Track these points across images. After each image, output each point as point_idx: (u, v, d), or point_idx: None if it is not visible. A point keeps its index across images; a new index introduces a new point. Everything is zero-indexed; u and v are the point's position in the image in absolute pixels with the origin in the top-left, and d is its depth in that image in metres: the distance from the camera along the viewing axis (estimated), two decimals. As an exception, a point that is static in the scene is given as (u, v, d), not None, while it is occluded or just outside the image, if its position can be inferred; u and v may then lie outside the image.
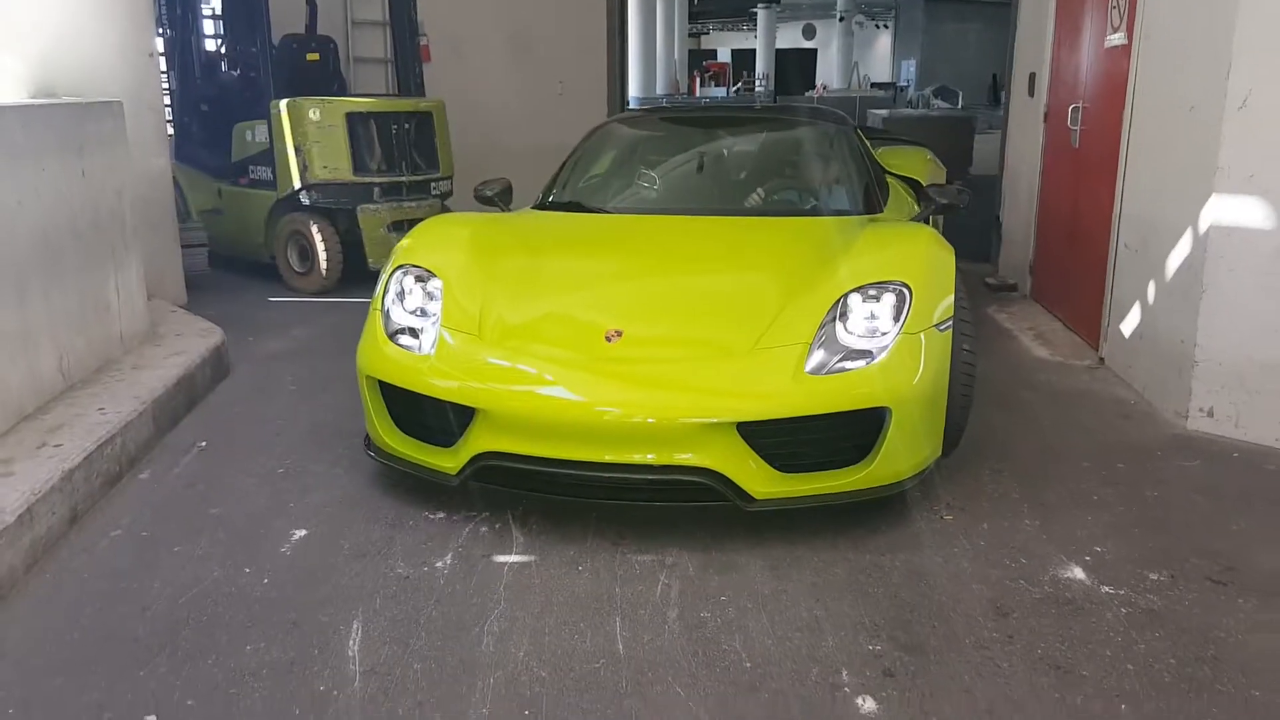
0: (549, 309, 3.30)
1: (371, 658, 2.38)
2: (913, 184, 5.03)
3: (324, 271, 6.46)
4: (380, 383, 3.19)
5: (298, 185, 6.40)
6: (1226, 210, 3.67)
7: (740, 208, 4.24)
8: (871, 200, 4.25)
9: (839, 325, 3.01)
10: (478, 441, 2.95)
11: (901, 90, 29.22)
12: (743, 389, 2.89)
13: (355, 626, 2.50)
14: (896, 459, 2.94)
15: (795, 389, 2.87)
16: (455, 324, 3.18)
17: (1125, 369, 4.52)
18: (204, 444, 3.81)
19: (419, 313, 3.29)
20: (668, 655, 2.39)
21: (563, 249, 3.84)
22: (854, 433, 2.91)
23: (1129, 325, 4.48)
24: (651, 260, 3.70)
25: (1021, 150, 6.36)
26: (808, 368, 2.91)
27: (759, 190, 4.39)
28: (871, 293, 3.09)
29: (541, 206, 4.37)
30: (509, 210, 4.38)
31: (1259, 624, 2.55)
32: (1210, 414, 3.83)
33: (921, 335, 3.00)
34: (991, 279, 6.64)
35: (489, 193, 4.44)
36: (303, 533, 3.05)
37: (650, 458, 2.83)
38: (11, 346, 3.43)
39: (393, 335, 3.24)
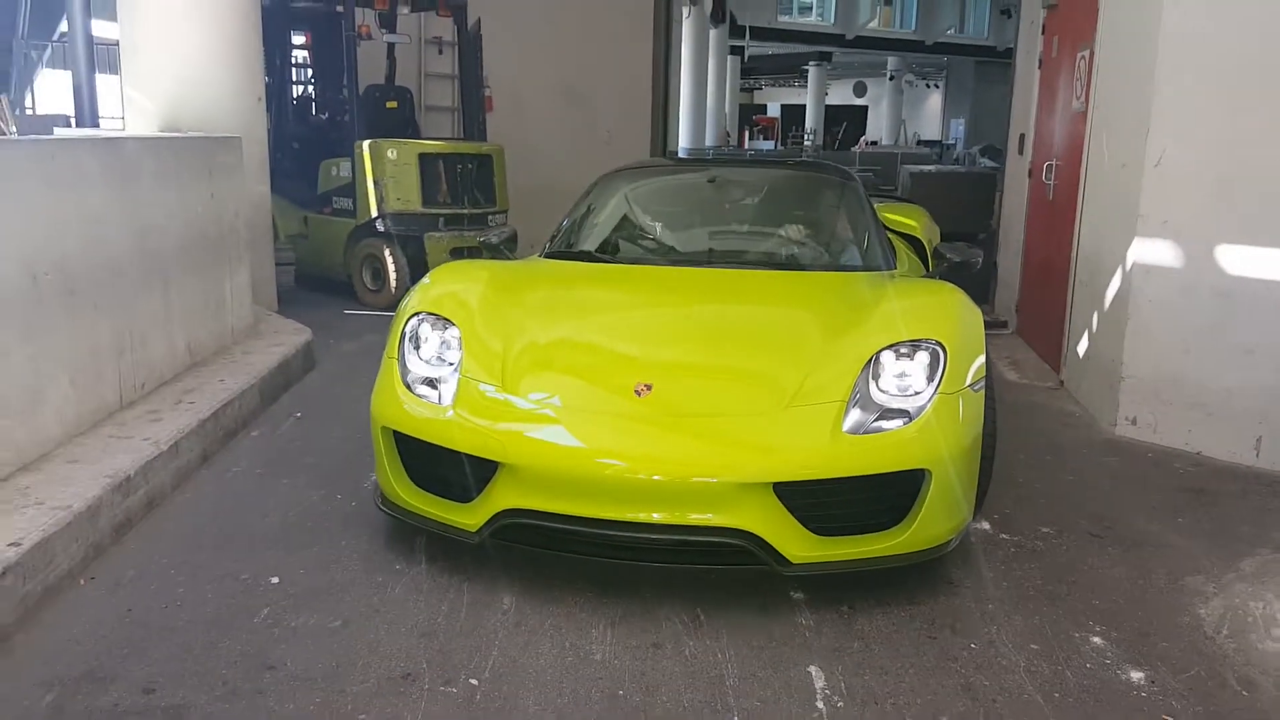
0: (574, 360, 3.23)
1: (431, 548, 3.20)
2: (910, 240, 5.21)
3: (394, 289, 7.38)
4: (395, 434, 3.10)
5: (375, 214, 7.37)
6: (1146, 250, 4.41)
7: (758, 260, 4.14)
8: (887, 256, 4.12)
9: (872, 384, 2.94)
10: (501, 498, 2.84)
11: (949, 148, 30.05)
12: (779, 447, 2.79)
13: (422, 535, 3.31)
14: (935, 522, 2.85)
15: (834, 449, 2.79)
16: (477, 374, 3.07)
17: (1076, 388, 5.24)
18: (299, 414, 4.70)
19: (436, 361, 3.18)
20: None
21: (583, 299, 3.74)
22: (891, 494, 2.83)
23: (1080, 351, 5.20)
24: (676, 312, 3.60)
25: (1012, 203, 7.12)
26: (845, 427, 2.83)
27: (774, 242, 4.34)
28: (904, 350, 3.01)
29: (550, 255, 4.22)
30: (513, 258, 4.29)
31: (1117, 562, 3.27)
32: (1134, 422, 4.53)
33: (958, 396, 2.94)
34: (986, 318, 7.34)
35: (495, 240, 4.37)
36: (380, 475, 3.90)
37: (686, 518, 2.73)
38: (158, 327, 4.35)
39: (410, 385, 3.13)
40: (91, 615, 2.79)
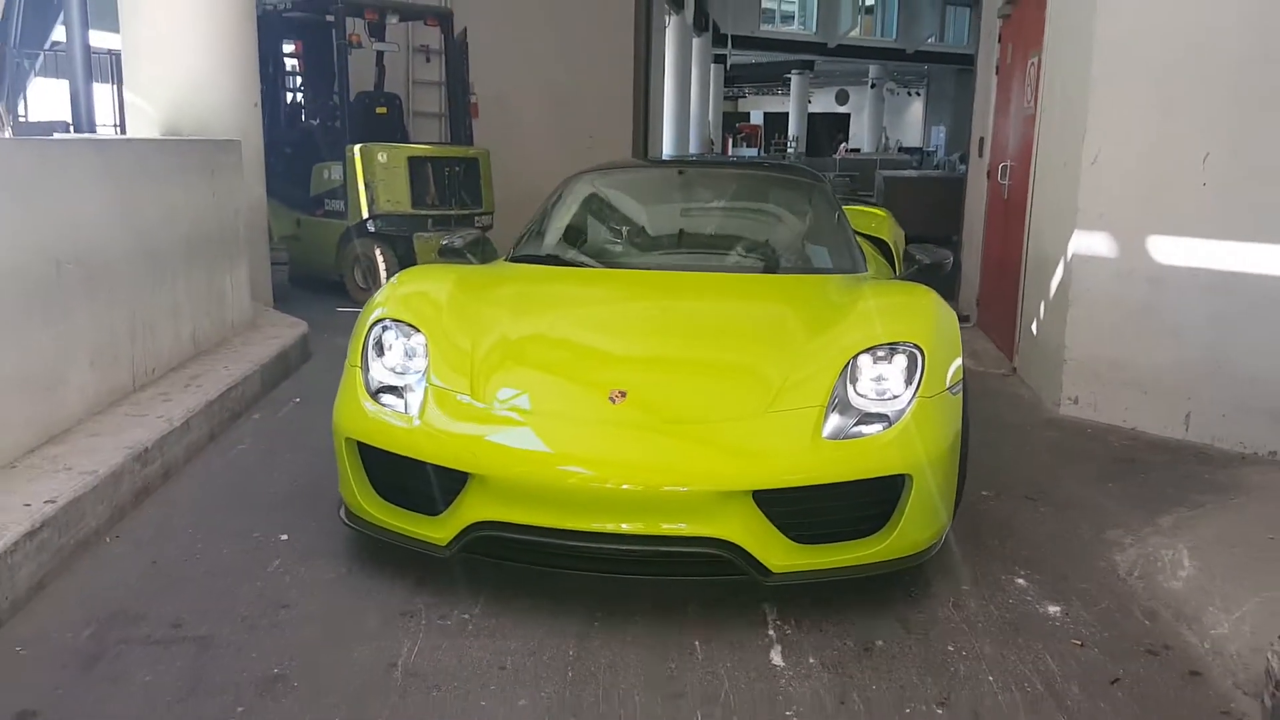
0: (546, 367, 3.15)
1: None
2: (875, 243, 5.31)
3: (384, 287, 7.69)
4: (359, 445, 2.98)
5: (366, 215, 7.68)
6: (1084, 242, 4.78)
7: (729, 263, 4.11)
8: (857, 258, 4.07)
9: (850, 387, 2.89)
10: (472, 510, 2.75)
11: (929, 154, 30.56)
12: (759, 455, 2.74)
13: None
14: (916, 529, 2.81)
15: (814, 455, 2.74)
16: (445, 381, 2.98)
17: (1027, 373, 5.59)
18: (298, 399, 5.01)
19: (400, 370, 3.08)
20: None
21: (553, 304, 3.62)
22: (871, 501, 2.79)
23: (1030, 338, 5.56)
24: (649, 316, 3.56)
25: (974, 203, 7.49)
26: (825, 432, 2.78)
27: (745, 244, 4.31)
28: (881, 354, 2.97)
29: (517, 259, 4.11)
30: (477, 263, 4.16)
31: (1047, 519, 3.62)
32: (1076, 401, 4.89)
33: (936, 399, 2.91)
34: (951, 311, 7.71)
35: (458, 244, 4.22)
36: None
37: (663, 528, 2.68)
38: (166, 317, 4.65)
39: (375, 394, 3.03)
40: (119, 566, 3.09)
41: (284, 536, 3.32)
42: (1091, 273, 4.77)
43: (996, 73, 6.93)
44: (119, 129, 11.61)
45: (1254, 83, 4.23)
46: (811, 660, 2.63)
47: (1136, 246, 4.61)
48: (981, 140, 7.29)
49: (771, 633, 2.76)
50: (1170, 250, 4.52)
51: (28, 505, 3.00)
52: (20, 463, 3.34)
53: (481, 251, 4.35)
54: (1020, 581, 3.10)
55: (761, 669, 2.58)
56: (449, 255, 4.22)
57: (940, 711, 2.41)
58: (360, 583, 3.01)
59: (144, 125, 6.50)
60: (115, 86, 13.13)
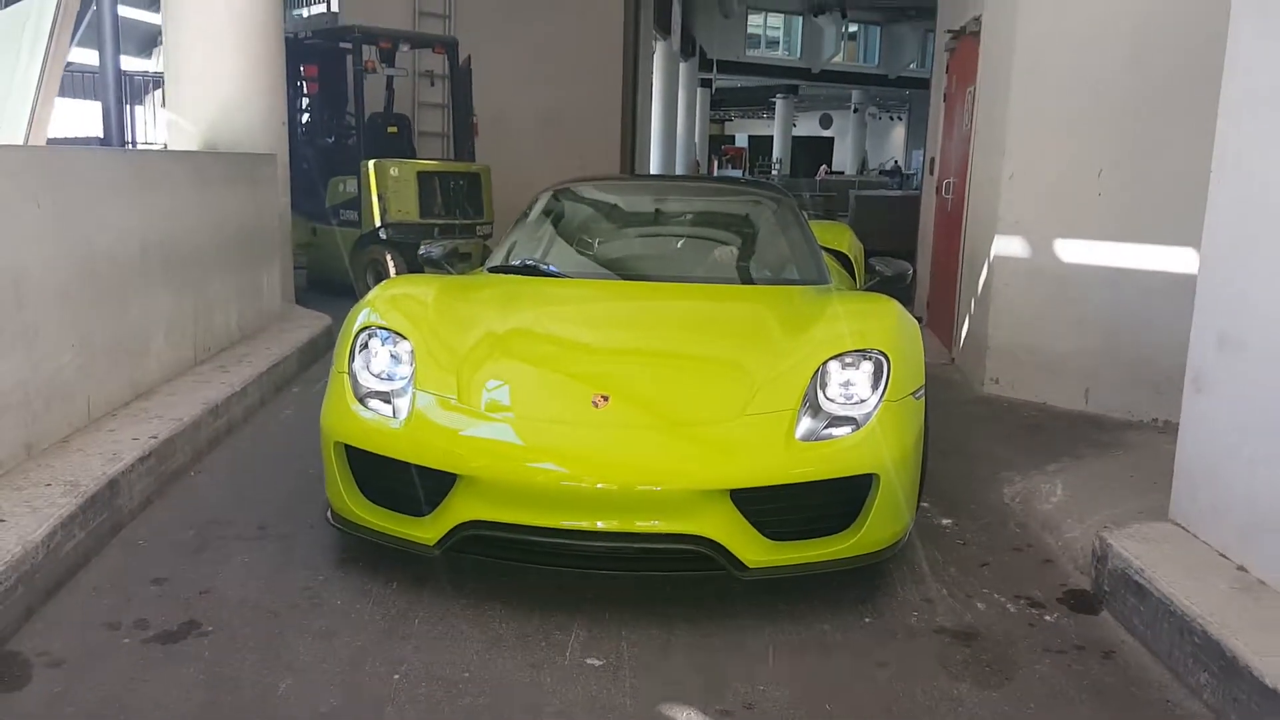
0: (530, 374, 3.26)
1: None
2: (837, 256, 5.54)
3: (394, 289, 8.48)
4: (347, 448, 3.08)
5: (378, 224, 8.48)
6: (1004, 246, 5.61)
7: (700, 274, 4.26)
8: (822, 270, 4.28)
9: (820, 392, 3.04)
10: (460, 510, 2.85)
11: (909, 177, 31.61)
12: (736, 456, 2.88)
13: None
14: (882, 526, 2.95)
15: (788, 456, 2.88)
16: (432, 387, 3.08)
17: (962, 362, 6.42)
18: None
19: (386, 376, 3.17)
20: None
21: (535, 313, 3.73)
22: (841, 499, 2.93)
23: (964, 331, 6.39)
24: (628, 325, 3.73)
25: (926, 217, 8.34)
26: (798, 434, 2.92)
27: (715, 256, 4.52)
28: (849, 360, 3.12)
29: (496, 270, 4.26)
30: (455, 273, 4.36)
31: (957, 466, 4.42)
32: (998, 382, 5.71)
33: (900, 404, 3.07)
34: (907, 314, 8.54)
35: (435, 254, 4.38)
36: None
37: (645, 526, 2.79)
38: (220, 304, 5.44)
39: (362, 399, 3.12)
40: (205, 491, 3.88)
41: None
42: (1010, 272, 5.60)
43: (944, 100, 7.80)
44: (130, 144, 12.38)
45: (1137, 111, 5.07)
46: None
47: (1045, 248, 5.45)
48: (933, 160, 8.15)
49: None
50: (1073, 251, 5.36)
51: (136, 439, 3.77)
52: (119, 412, 4.12)
53: (459, 262, 4.56)
54: (924, 504, 3.86)
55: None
56: (429, 265, 4.40)
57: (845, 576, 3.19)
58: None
59: (184, 141, 7.28)
60: (129, 105, 13.98)
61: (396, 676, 2.60)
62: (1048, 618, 3.06)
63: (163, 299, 4.65)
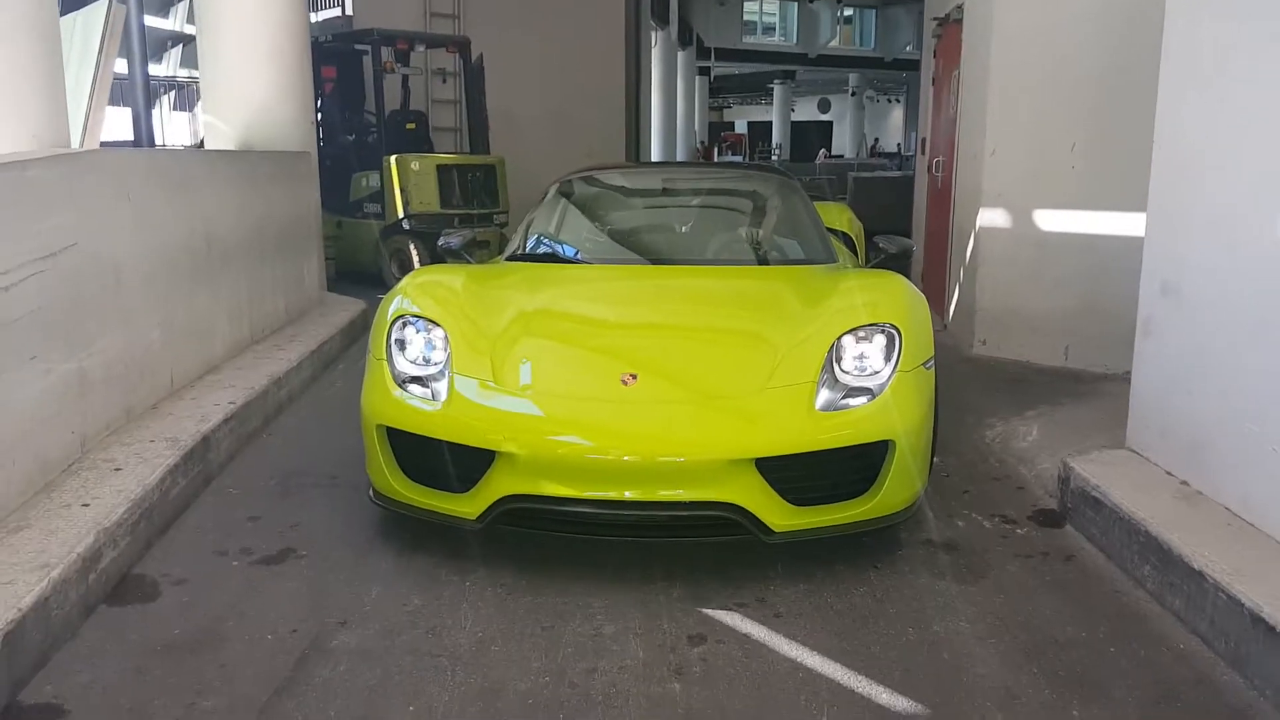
0: (561, 352, 3.46)
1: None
2: (838, 235, 5.65)
3: (418, 277, 8.98)
4: (388, 431, 3.24)
5: (401, 215, 8.97)
6: (988, 217, 6.09)
7: (715, 256, 4.45)
8: (829, 249, 4.48)
9: (836, 365, 3.20)
10: (500, 485, 3.01)
11: (908, 158, 32.00)
12: (761, 426, 3.04)
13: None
14: (899, 489, 3.14)
15: (810, 425, 3.06)
16: (468, 371, 3.23)
17: (953, 327, 6.90)
18: (369, 355, 6.29)
19: (422, 362, 3.32)
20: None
21: (561, 295, 3.91)
22: (859, 466, 3.10)
23: (954, 298, 6.87)
24: (651, 302, 3.90)
25: (920, 195, 8.81)
26: (818, 405, 3.09)
27: (727, 239, 4.70)
28: (862, 334, 3.28)
29: (514, 258, 4.42)
30: (475, 262, 4.49)
31: (944, 414, 4.85)
32: (985, 343, 6.20)
33: (912, 374, 3.23)
34: (904, 287, 9.02)
35: (455, 244, 4.49)
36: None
37: (676, 494, 2.98)
38: (269, 290, 5.95)
39: (401, 384, 3.27)
40: (280, 449, 4.39)
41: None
42: (994, 240, 6.08)
43: (933, 83, 8.26)
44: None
45: (1108, 86, 5.54)
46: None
47: (1026, 218, 5.93)
48: (924, 140, 8.62)
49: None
50: (1050, 220, 5.84)
51: (217, 405, 4.29)
52: (195, 384, 4.63)
53: (477, 250, 4.79)
54: (915, 446, 4.38)
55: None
56: (450, 255, 4.53)
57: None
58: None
59: (221, 141, 7.77)
60: (145, 109, 14.41)
61: (468, 583, 3.10)
62: (1019, 531, 3.57)
63: (224, 285, 5.15)
